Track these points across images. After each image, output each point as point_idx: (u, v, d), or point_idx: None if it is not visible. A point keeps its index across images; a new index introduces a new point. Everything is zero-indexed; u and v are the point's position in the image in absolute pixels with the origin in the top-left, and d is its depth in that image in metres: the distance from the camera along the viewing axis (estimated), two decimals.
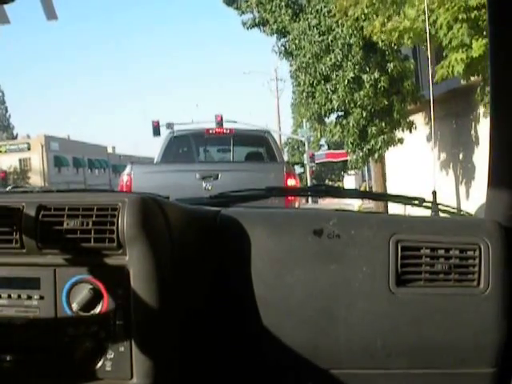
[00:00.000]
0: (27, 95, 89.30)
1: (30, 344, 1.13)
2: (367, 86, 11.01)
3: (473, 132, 10.36)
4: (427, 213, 1.58)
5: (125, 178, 5.47)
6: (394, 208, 9.66)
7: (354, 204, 14.89)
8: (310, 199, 17.16)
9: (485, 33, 6.62)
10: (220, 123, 19.02)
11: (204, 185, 5.37)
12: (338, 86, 11.30)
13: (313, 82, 11.76)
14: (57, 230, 1.13)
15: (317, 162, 28.28)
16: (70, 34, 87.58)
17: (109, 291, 1.12)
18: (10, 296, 1.15)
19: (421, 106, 11.46)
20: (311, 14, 11.91)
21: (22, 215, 1.14)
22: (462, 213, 1.57)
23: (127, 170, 5.56)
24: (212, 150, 7.90)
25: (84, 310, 1.12)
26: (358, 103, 11.20)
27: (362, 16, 9.66)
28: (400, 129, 11.63)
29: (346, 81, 11.13)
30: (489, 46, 1.34)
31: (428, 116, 11.19)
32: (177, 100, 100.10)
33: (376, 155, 12.05)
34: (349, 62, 11.12)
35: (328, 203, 15.06)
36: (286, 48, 13.38)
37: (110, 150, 49.67)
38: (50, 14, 4.14)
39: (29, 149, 39.85)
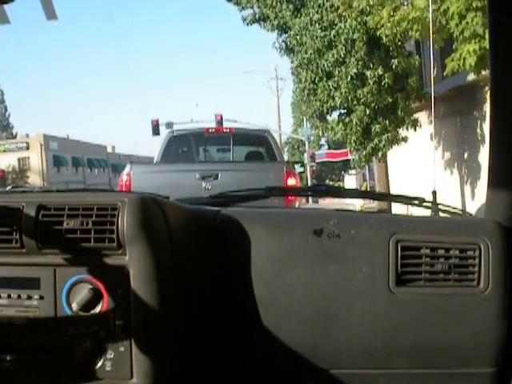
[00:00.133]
0: (27, 94, 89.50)
1: (29, 344, 1.15)
2: (371, 83, 10.94)
3: (479, 130, 10.34)
4: (428, 213, 1.61)
5: (124, 177, 5.51)
6: (397, 208, 9.67)
7: (356, 204, 14.87)
8: (310, 199, 17.15)
9: None
10: (220, 123, 19.03)
11: (204, 185, 5.40)
12: (340, 83, 11.23)
13: (314, 78, 11.69)
14: (57, 230, 1.15)
15: (317, 161, 28.26)
16: (69, 33, 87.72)
17: (109, 291, 1.14)
18: (9, 296, 1.17)
19: (425, 103, 11.42)
20: (313, 8, 11.81)
21: (22, 215, 1.16)
22: (461, 213, 1.59)
23: (127, 169, 5.59)
24: (212, 149, 7.94)
25: (84, 309, 1.14)
26: (362, 100, 11.13)
27: (367, 8, 9.56)
28: (404, 127, 11.56)
29: (349, 77, 11.04)
30: (488, 36, 1.35)
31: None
32: (176, 99, 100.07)
33: (380, 154, 12.00)
34: (352, 58, 11.03)
35: (328, 203, 15.03)
36: (286, 44, 13.27)
37: (109, 150, 49.69)
38: (50, 13, 4.17)
39: (27, 148, 39.88)
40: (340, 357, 1.32)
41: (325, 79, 11.55)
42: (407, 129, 11.61)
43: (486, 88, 7.99)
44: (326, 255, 1.31)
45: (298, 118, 30.08)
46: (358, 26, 10.75)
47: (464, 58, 7.17)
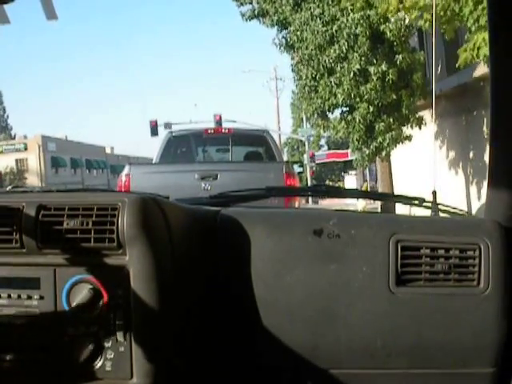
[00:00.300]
0: (26, 96, 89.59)
1: (29, 344, 1.18)
2: (374, 79, 10.80)
3: (484, 129, 10.31)
4: (428, 213, 1.64)
5: (123, 178, 5.54)
6: (400, 208, 9.66)
7: (357, 204, 14.89)
8: (310, 199, 17.17)
9: None
10: (219, 123, 19.04)
11: (203, 185, 5.43)
12: (342, 79, 11.06)
13: (316, 75, 11.53)
14: (57, 230, 1.17)
15: (317, 162, 28.25)
16: (69, 34, 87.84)
17: (109, 291, 1.17)
18: (9, 296, 1.19)
19: (430, 100, 11.35)
20: (314, 3, 11.65)
21: (22, 215, 1.18)
22: (461, 213, 1.62)
23: (125, 170, 5.62)
24: (211, 149, 8.01)
25: (84, 309, 1.16)
26: (365, 97, 10.99)
27: None
28: (409, 125, 11.43)
29: (352, 73, 10.87)
30: (488, 36, 1.38)
31: (437, 111, 11.10)
32: (175, 100, 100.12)
33: (383, 153, 11.91)
34: (354, 54, 10.87)
35: (329, 203, 15.07)
36: (286, 40, 13.08)
37: (108, 151, 49.81)
38: (50, 13, 4.21)
39: (25, 149, 39.89)
40: (340, 357, 1.35)
41: (326, 76, 11.38)
42: (412, 127, 11.47)
43: None
44: (325, 255, 1.34)
45: (298, 118, 30.06)
46: (361, 20, 10.60)
47: (478, 48, 6.77)
